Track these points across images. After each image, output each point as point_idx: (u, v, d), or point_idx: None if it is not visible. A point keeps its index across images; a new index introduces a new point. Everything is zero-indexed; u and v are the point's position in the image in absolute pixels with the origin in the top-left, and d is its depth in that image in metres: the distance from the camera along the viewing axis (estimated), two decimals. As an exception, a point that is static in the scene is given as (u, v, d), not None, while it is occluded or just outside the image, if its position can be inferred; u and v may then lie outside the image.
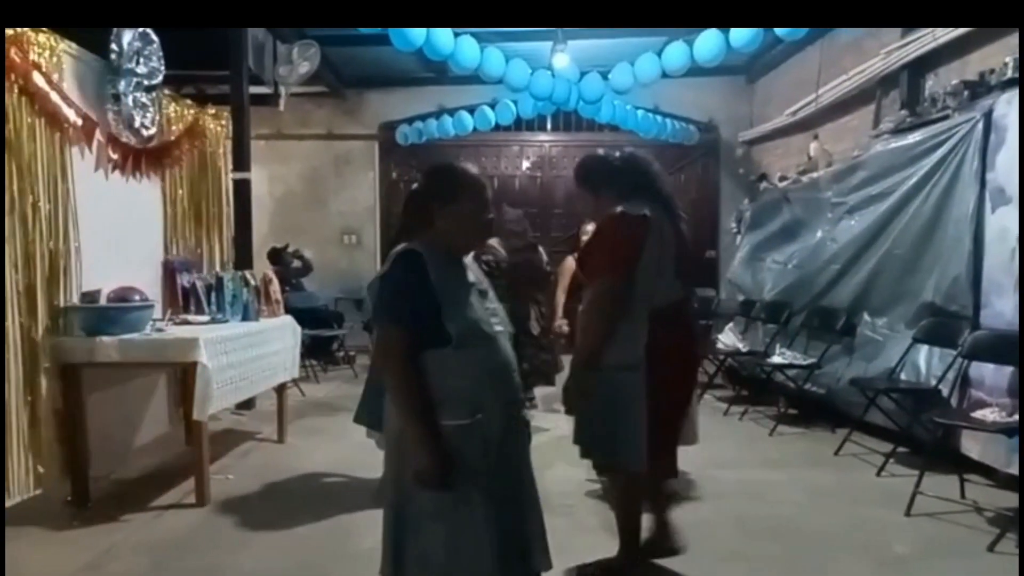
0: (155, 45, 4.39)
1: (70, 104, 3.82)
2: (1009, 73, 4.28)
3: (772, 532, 3.42)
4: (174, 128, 4.96)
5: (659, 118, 8.21)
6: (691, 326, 2.86)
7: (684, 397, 2.92)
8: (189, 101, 5.35)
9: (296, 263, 7.97)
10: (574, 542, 3.35)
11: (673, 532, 3.00)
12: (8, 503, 3.38)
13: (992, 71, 4.54)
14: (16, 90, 3.47)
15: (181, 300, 4.77)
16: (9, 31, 3.42)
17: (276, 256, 7.83)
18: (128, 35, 4.19)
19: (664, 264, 2.72)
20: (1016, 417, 3.57)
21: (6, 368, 3.39)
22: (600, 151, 3.05)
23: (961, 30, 4.99)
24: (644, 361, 2.63)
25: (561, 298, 5.31)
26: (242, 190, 5.75)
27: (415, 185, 2.15)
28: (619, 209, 2.70)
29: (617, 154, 2.94)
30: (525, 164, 9.46)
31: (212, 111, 5.45)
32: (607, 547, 3.28)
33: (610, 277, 2.66)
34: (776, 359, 5.69)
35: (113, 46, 4.14)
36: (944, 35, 5.14)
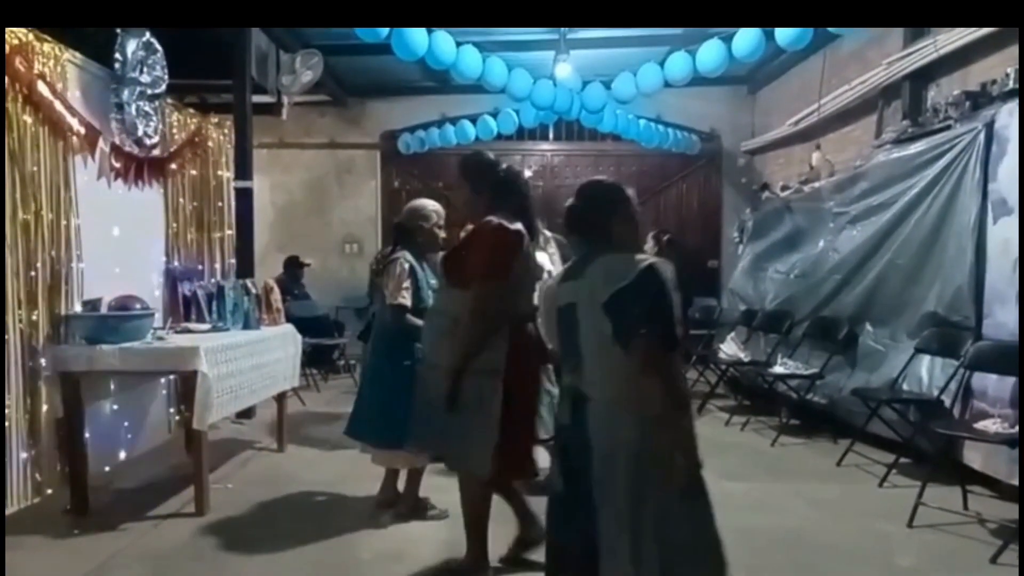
0: (159, 54, 4.41)
1: (74, 113, 3.84)
2: (1011, 84, 4.29)
3: (776, 543, 3.41)
4: (177, 137, 4.98)
5: (661, 128, 8.24)
6: (539, 336, 2.86)
7: (535, 402, 3.01)
8: (192, 110, 5.38)
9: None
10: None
11: (537, 525, 3.02)
12: (8, 511, 3.37)
13: (994, 82, 4.55)
14: (20, 99, 3.48)
15: (182, 308, 4.77)
16: (15, 40, 3.44)
17: (290, 265, 7.89)
18: (132, 44, 4.21)
19: (526, 279, 2.89)
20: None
21: (7, 376, 3.39)
22: (491, 155, 3.12)
23: (963, 40, 5.00)
24: (504, 367, 2.74)
25: None
26: (244, 199, 5.76)
27: (572, 202, 2.27)
28: (495, 219, 2.79)
29: (504, 165, 3.06)
30: (527, 173, 9.44)
31: (215, 120, 5.47)
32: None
33: (493, 283, 2.74)
34: (778, 369, 5.68)
35: (117, 55, 4.16)
36: (946, 45, 5.15)
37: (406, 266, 3.56)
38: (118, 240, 4.38)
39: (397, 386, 3.41)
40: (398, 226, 3.79)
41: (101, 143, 4.14)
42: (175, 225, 5.04)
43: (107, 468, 4.21)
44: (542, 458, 2.93)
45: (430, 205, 3.76)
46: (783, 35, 4.49)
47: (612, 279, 2.01)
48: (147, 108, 4.36)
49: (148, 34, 4.31)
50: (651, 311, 1.97)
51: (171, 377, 4.65)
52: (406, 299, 3.50)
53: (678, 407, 1.99)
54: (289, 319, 5.21)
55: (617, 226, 2.16)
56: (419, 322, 3.41)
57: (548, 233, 4.20)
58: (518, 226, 2.82)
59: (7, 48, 3.40)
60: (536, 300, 2.92)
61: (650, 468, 1.95)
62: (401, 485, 3.77)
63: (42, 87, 3.58)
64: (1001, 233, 4.02)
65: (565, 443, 2.15)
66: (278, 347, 4.72)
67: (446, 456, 3.03)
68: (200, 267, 5.25)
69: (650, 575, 1.93)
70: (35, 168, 3.59)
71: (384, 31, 4.34)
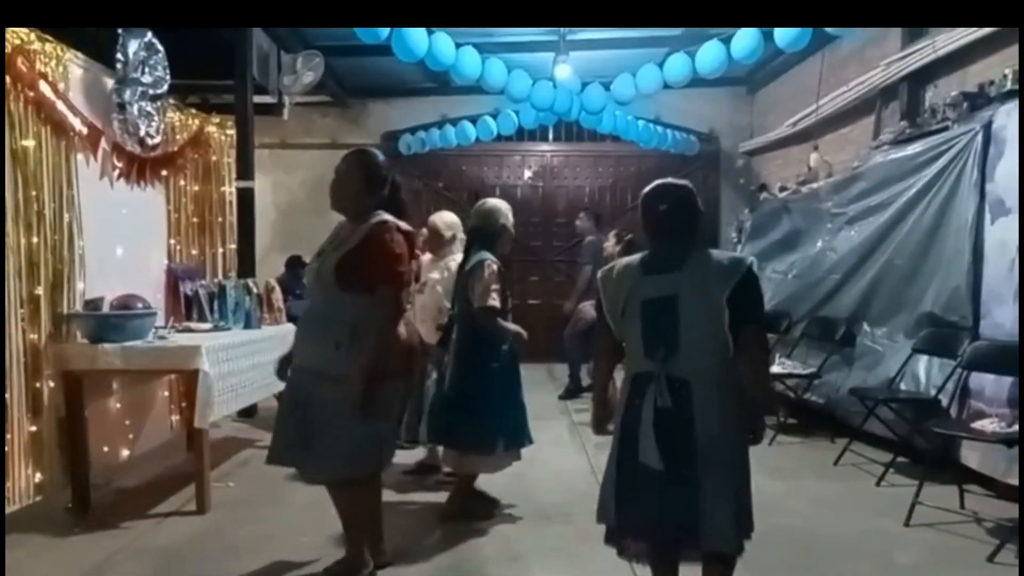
0: (160, 55, 4.43)
1: (76, 113, 3.86)
2: (1008, 84, 4.31)
3: (774, 541, 3.40)
4: (179, 137, 5.00)
5: (660, 128, 8.26)
6: (410, 337, 3.02)
7: (395, 404, 3.07)
8: (194, 110, 5.39)
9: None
10: (577, 550, 3.36)
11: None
12: (9, 510, 3.39)
13: (992, 83, 4.57)
14: (23, 99, 3.50)
15: (184, 308, 4.79)
16: (17, 40, 3.46)
17: (292, 264, 7.89)
18: (134, 44, 4.23)
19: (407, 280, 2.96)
20: (1016, 427, 3.57)
21: (9, 375, 3.41)
22: (381, 156, 3.05)
23: (961, 41, 5.01)
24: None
25: None
26: (245, 199, 5.78)
27: (665, 207, 2.40)
28: (391, 219, 2.81)
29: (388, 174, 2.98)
30: (527, 174, 9.49)
31: (216, 120, 5.49)
32: (612, 555, 3.29)
33: (398, 286, 2.79)
34: (776, 368, 5.68)
35: (119, 56, 4.18)
36: (944, 46, 5.17)
37: (495, 268, 3.60)
38: (120, 240, 4.39)
39: (487, 389, 3.53)
40: (477, 229, 3.77)
41: (103, 143, 4.16)
42: (177, 225, 5.06)
43: (108, 467, 4.23)
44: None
45: (504, 205, 3.82)
46: (782, 36, 4.50)
47: (725, 274, 2.25)
48: (149, 108, 4.38)
49: (150, 34, 4.33)
50: (760, 304, 2.35)
51: (172, 376, 4.66)
52: (496, 302, 3.53)
53: (770, 389, 2.44)
54: (290, 318, 5.22)
55: (699, 224, 2.42)
56: (511, 326, 3.63)
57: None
58: (408, 227, 2.88)
59: (9, 48, 3.42)
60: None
61: (746, 443, 2.32)
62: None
63: (44, 87, 3.60)
64: (998, 234, 4.04)
65: (666, 424, 2.24)
66: (279, 346, 4.70)
67: (303, 466, 2.98)
68: (202, 267, 5.27)
69: (744, 533, 2.30)
70: (37, 168, 3.61)
71: (384, 32, 4.36)
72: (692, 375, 2.24)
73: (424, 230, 4.45)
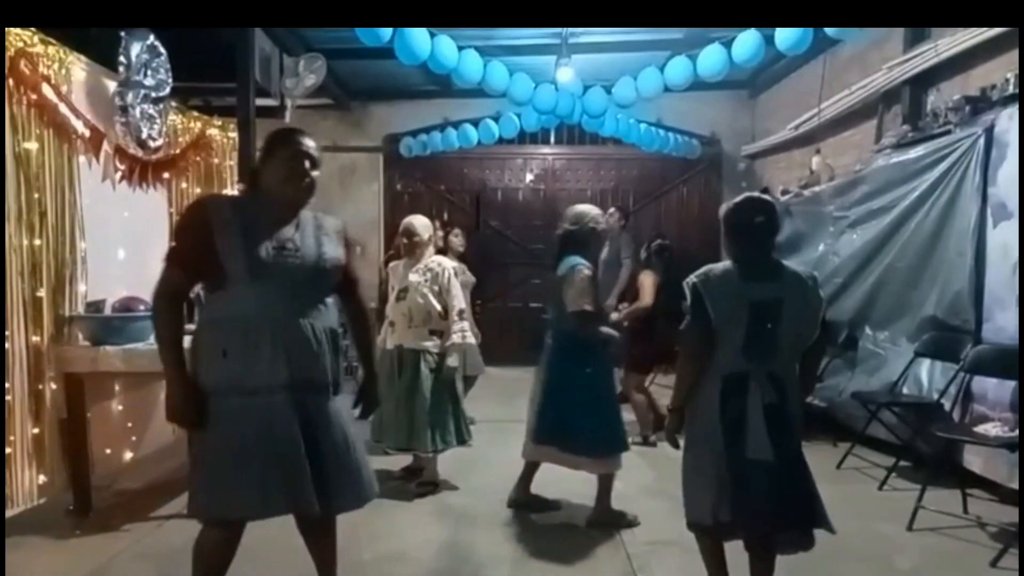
0: (163, 57, 4.44)
1: (78, 115, 3.86)
2: (1011, 88, 4.31)
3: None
4: (181, 140, 5.01)
5: (662, 132, 8.25)
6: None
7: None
8: (196, 113, 5.40)
9: None
10: (579, 551, 3.35)
11: None
12: (11, 512, 3.39)
13: (994, 86, 4.57)
14: (25, 101, 3.51)
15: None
16: (19, 43, 3.47)
17: None
18: (136, 47, 4.23)
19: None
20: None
21: (10, 377, 3.41)
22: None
23: (963, 45, 5.01)
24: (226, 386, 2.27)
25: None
26: (247, 201, 5.77)
27: (762, 219, 2.60)
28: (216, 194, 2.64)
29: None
30: (529, 177, 9.49)
31: (218, 123, 5.49)
32: (614, 559, 3.28)
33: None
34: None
35: (121, 58, 4.18)
36: (946, 50, 5.17)
37: (587, 273, 3.60)
38: (122, 242, 4.40)
39: (586, 392, 3.57)
40: (570, 233, 3.72)
41: (105, 145, 4.16)
42: (178, 227, 5.06)
43: (110, 469, 4.23)
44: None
45: (593, 209, 3.80)
46: (783, 39, 4.50)
47: (809, 287, 2.59)
48: (151, 111, 4.38)
49: (152, 37, 4.34)
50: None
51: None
52: (590, 305, 3.55)
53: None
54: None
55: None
56: (606, 329, 3.70)
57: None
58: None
59: (12, 51, 3.42)
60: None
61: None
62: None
63: (47, 90, 3.61)
64: (1001, 237, 4.04)
65: (772, 419, 2.50)
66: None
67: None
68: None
69: None
70: (39, 170, 3.61)
71: (387, 35, 4.36)
72: (785, 374, 2.56)
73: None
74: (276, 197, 2.33)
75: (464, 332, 4.12)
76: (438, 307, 4.07)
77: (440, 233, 6.69)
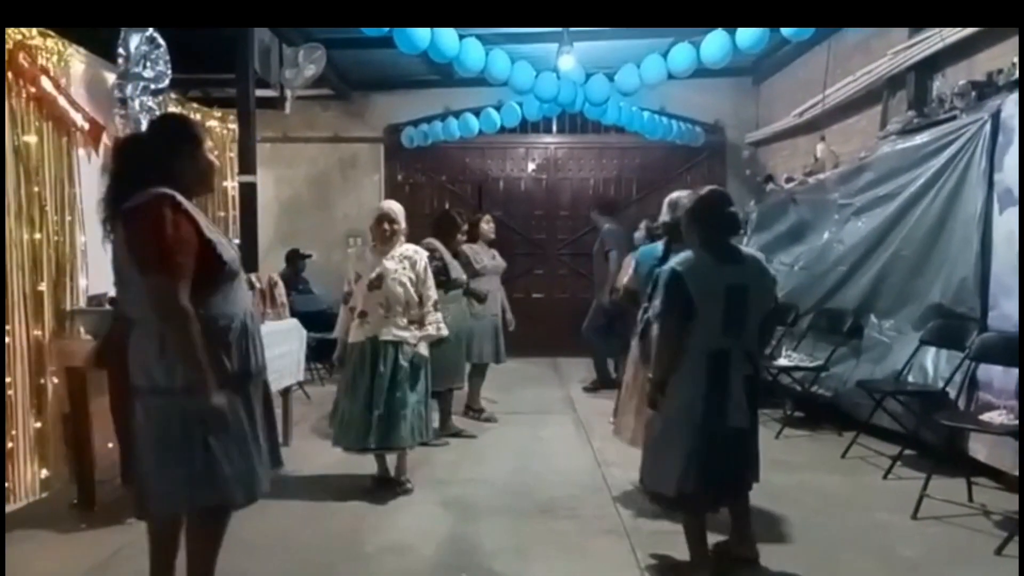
0: (162, 49, 4.42)
1: (77, 108, 3.85)
2: (1016, 74, 4.26)
3: (781, 535, 3.41)
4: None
5: (665, 119, 8.20)
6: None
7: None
8: (195, 104, 5.38)
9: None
10: (581, 543, 3.35)
11: None
12: (14, 506, 3.40)
13: (1000, 71, 4.52)
14: (24, 95, 3.49)
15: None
16: (18, 36, 3.45)
17: (293, 258, 7.91)
18: (135, 39, 4.21)
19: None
20: (1025, 420, 3.55)
21: (12, 371, 3.41)
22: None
23: (968, 31, 4.96)
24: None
25: None
26: (248, 193, 5.76)
27: (732, 209, 2.93)
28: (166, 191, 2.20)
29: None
30: (531, 166, 9.45)
31: (218, 114, 5.48)
32: (617, 549, 3.28)
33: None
34: (783, 361, 5.66)
35: (120, 50, 4.17)
36: (951, 35, 5.12)
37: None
38: (122, 235, 4.39)
39: None
40: (672, 224, 3.67)
41: (105, 138, 4.15)
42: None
43: (114, 463, 4.22)
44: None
45: (682, 197, 3.71)
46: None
47: (765, 268, 2.95)
48: (151, 103, 4.37)
49: (151, 29, 4.32)
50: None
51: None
52: None
53: None
54: (293, 314, 5.23)
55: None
56: None
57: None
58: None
59: (11, 44, 3.41)
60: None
61: None
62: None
63: (46, 83, 3.60)
64: (1007, 224, 4.00)
65: (747, 391, 2.84)
66: (283, 342, 4.73)
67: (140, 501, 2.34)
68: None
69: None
70: (39, 164, 3.60)
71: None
72: (753, 347, 2.92)
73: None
74: (198, 190, 2.37)
75: (439, 324, 4.04)
76: (415, 296, 3.97)
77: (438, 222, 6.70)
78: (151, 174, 2.21)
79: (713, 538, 3.02)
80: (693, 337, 2.80)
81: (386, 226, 4.00)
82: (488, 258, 5.80)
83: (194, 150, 2.30)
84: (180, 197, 2.20)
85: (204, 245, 2.19)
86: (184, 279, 2.14)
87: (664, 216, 3.85)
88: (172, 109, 4.86)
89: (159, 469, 2.21)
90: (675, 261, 2.85)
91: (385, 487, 4.04)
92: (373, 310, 3.92)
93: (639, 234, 5.95)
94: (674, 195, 3.86)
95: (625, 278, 3.95)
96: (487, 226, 5.94)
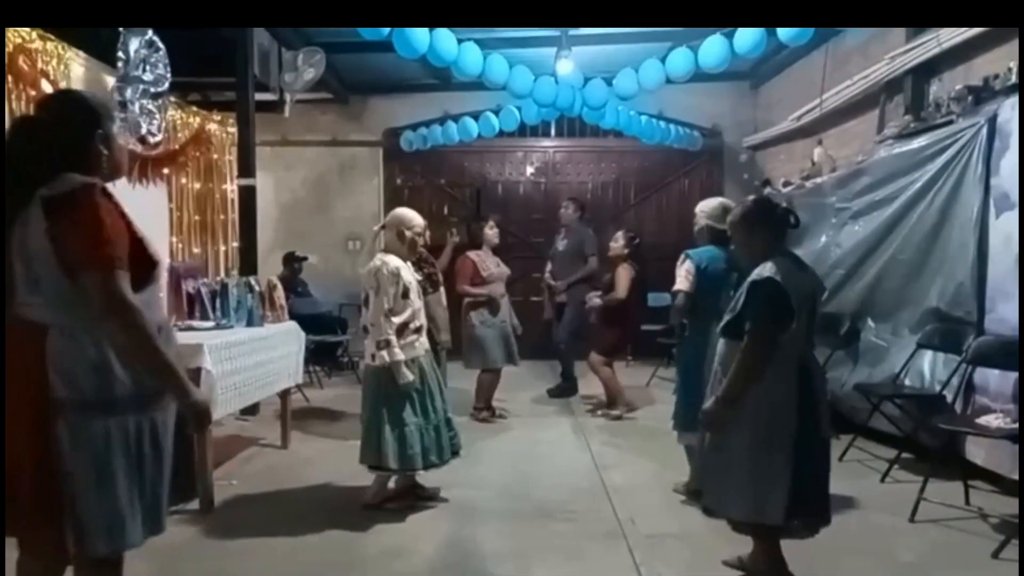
0: (161, 53, 4.43)
1: (77, 111, 3.85)
2: (1013, 78, 4.28)
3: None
4: (180, 135, 5.01)
5: (663, 124, 8.23)
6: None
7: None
8: (195, 108, 5.40)
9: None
10: (580, 547, 3.36)
11: None
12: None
13: (996, 76, 4.54)
14: (24, 97, 3.50)
15: (186, 306, 4.78)
16: (18, 39, 3.46)
17: (290, 260, 7.91)
18: (135, 43, 4.23)
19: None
20: (1021, 423, 3.56)
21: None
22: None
23: (966, 35, 4.99)
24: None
25: None
26: (247, 196, 5.78)
27: (795, 218, 2.87)
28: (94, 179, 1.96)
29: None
30: (529, 170, 9.47)
31: (218, 118, 5.49)
32: (616, 552, 3.29)
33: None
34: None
35: (120, 54, 4.18)
36: (948, 40, 5.14)
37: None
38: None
39: None
40: (721, 228, 3.66)
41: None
42: (179, 223, 5.06)
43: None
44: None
45: (718, 203, 3.91)
46: (785, 30, 4.48)
47: (818, 276, 2.94)
48: (150, 106, 4.38)
49: (151, 32, 4.34)
50: None
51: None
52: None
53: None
54: (292, 316, 5.23)
55: None
56: None
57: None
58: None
59: (11, 47, 3.42)
60: None
61: None
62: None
63: (46, 86, 3.60)
64: (1003, 228, 4.02)
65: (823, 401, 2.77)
66: (281, 344, 4.73)
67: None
68: (204, 265, 5.27)
69: None
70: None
71: (386, 28, 4.35)
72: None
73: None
74: (113, 177, 2.07)
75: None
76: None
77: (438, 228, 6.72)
78: (64, 159, 1.92)
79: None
80: (783, 347, 2.65)
81: (420, 235, 3.84)
82: (493, 265, 5.80)
83: (108, 132, 2.01)
84: (107, 186, 1.94)
85: (135, 242, 1.93)
86: (127, 273, 1.87)
87: (709, 221, 3.87)
88: (172, 112, 4.86)
89: (101, 496, 1.89)
90: (767, 270, 2.66)
91: (416, 496, 3.89)
92: (423, 322, 3.83)
93: (617, 244, 5.92)
94: (716, 201, 3.96)
95: (685, 284, 3.78)
96: (491, 231, 5.87)
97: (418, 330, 3.75)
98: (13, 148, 1.94)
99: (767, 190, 7.43)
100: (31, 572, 2.03)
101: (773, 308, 2.61)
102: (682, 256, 3.89)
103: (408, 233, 3.75)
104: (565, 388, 6.73)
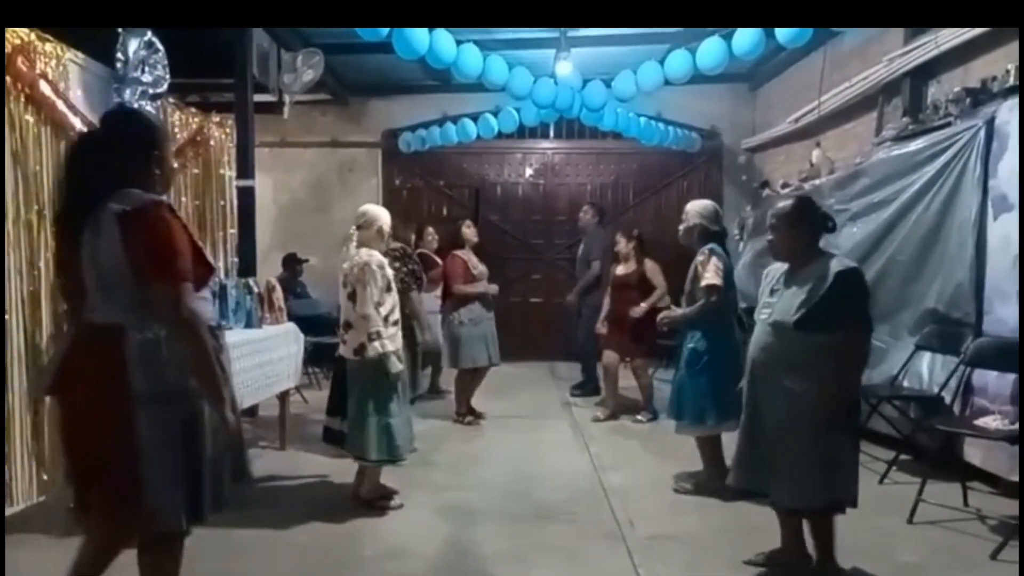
0: (160, 54, 4.42)
1: (76, 112, 3.85)
2: (1011, 80, 4.29)
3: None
4: (179, 136, 4.99)
5: (662, 125, 8.24)
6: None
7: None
8: (194, 109, 5.39)
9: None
10: (579, 548, 3.36)
11: None
12: (13, 510, 3.39)
13: (994, 78, 4.55)
14: (23, 99, 3.50)
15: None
16: (16, 40, 3.46)
17: (290, 262, 7.92)
18: (133, 43, 4.22)
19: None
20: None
21: (11, 373, 3.41)
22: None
23: (964, 37, 5.00)
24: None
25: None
26: (246, 197, 5.77)
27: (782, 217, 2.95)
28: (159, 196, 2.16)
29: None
30: (528, 171, 9.47)
31: (217, 119, 5.48)
32: (615, 553, 3.29)
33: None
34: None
35: (119, 55, 4.17)
36: (946, 42, 5.15)
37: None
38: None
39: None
40: (714, 229, 4.04)
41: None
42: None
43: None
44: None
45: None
46: (783, 32, 4.49)
47: None
48: (149, 107, 4.37)
49: (150, 33, 4.33)
50: None
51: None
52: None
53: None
54: (291, 318, 5.23)
55: None
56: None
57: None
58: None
59: (10, 48, 3.41)
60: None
61: None
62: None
63: (44, 87, 3.60)
64: (1001, 230, 4.02)
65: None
66: (280, 346, 4.74)
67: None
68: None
69: None
70: (37, 167, 3.61)
71: (385, 30, 4.35)
72: None
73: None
74: (165, 192, 2.27)
75: None
76: None
77: (426, 229, 6.75)
78: (126, 174, 2.09)
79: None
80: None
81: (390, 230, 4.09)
82: (478, 263, 5.91)
83: (164, 152, 2.22)
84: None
85: (196, 251, 2.15)
86: (191, 284, 2.07)
87: (703, 220, 4.02)
88: (171, 113, 4.86)
89: (176, 477, 2.09)
90: (858, 273, 2.86)
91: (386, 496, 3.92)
92: (398, 316, 3.96)
93: (620, 244, 5.96)
94: (708, 202, 4.17)
95: (718, 278, 3.85)
96: (468, 231, 5.99)
97: (396, 323, 3.88)
98: (78, 162, 2.14)
99: (765, 192, 7.45)
100: (89, 556, 2.29)
101: (863, 303, 2.80)
102: (706, 251, 3.92)
103: (385, 228, 4.02)
104: (588, 388, 6.82)
